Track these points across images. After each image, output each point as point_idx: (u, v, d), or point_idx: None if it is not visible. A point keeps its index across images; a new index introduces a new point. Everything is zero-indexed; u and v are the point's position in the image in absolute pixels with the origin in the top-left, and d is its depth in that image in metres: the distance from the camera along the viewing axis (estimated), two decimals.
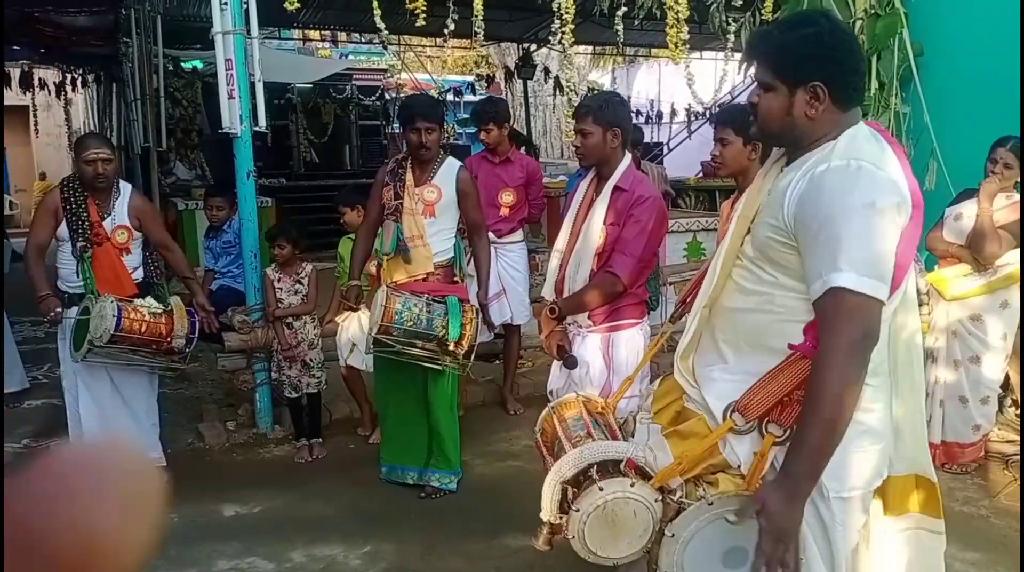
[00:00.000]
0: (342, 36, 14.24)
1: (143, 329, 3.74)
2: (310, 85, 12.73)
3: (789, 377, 1.69)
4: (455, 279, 3.90)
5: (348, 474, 4.24)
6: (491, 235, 4.82)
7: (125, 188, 4.00)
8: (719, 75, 7.93)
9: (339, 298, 4.57)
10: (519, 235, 5.19)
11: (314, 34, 14.56)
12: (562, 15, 5.26)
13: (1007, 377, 4.22)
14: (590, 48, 14.41)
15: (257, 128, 4.50)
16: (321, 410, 4.62)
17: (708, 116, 13.04)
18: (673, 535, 1.74)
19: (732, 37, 5.66)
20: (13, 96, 13.16)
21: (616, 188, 3.10)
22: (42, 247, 3.89)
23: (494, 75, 15.08)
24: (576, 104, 3.97)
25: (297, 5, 4.71)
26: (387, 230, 3.80)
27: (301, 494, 4.02)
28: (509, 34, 11.83)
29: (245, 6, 4.36)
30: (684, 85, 7.16)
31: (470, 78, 17.40)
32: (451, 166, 3.86)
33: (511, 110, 10.28)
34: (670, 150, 15.87)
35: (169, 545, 3.46)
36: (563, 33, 5.32)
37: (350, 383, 4.67)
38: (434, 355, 3.65)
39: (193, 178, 10.36)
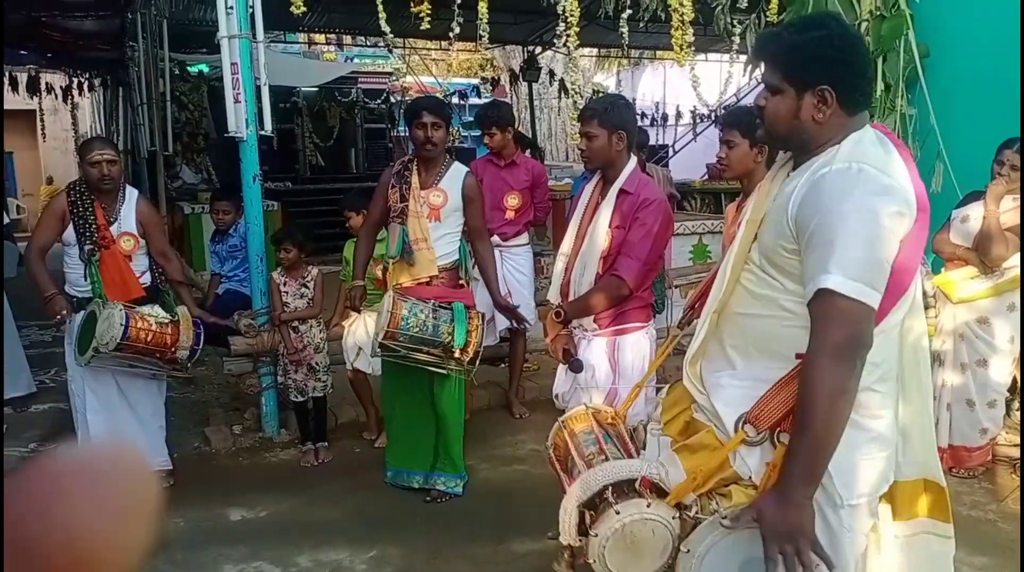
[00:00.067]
0: (347, 39, 14.26)
1: (149, 338, 3.75)
2: (315, 89, 12.75)
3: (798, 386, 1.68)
4: (460, 282, 3.89)
5: (354, 478, 4.24)
6: (496, 238, 4.83)
7: (131, 193, 4.01)
8: (724, 77, 7.91)
9: (344, 301, 4.58)
10: (524, 238, 5.19)
11: (319, 38, 14.59)
12: (567, 18, 5.25)
13: (1015, 380, 4.19)
14: (595, 50, 14.40)
15: (263, 132, 4.51)
16: (327, 414, 4.63)
17: (713, 118, 13.03)
18: (689, 550, 1.73)
19: (737, 39, 5.64)
20: (20, 100, 13.24)
21: (621, 191, 3.10)
22: (44, 249, 3.89)
23: (499, 78, 15.12)
24: (581, 107, 3.97)
25: (303, 9, 4.71)
26: (392, 233, 3.80)
27: (307, 498, 4.02)
28: (514, 37, 11.84)
29: (251, 10, 4.37)
30: (689, 87, 7.14)
31: (475, 81, 17.43)
32: (458, 171, 3.86)
33: (516, 113, 10.28)
34: (675, 152, 15.87)
35: (175, 549, 3.46)
36: (568, 36, 5.31)
37: (356, 387, 4.67)
38: (439, 360, 3.65)
39: (199, 182, 10.39)
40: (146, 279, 3.99)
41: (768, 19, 5.52)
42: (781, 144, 1.88)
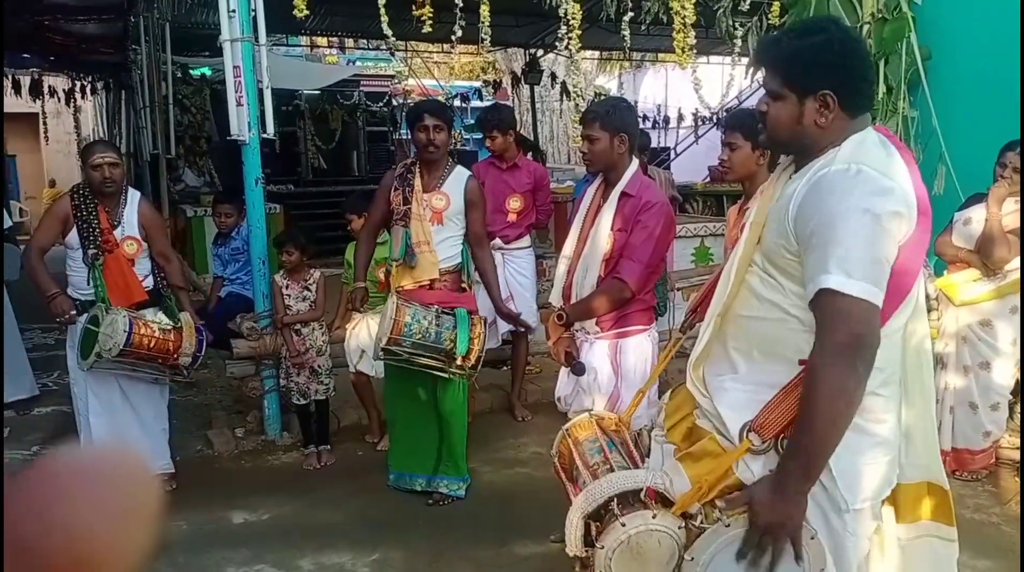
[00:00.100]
0: (349, 42, 14.28)
1: (152, 345, 3.75)
2: (318, 91, 12.77)
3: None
4: (463, 286, 3.89)
5: (356, 481, 4.24)
6: (498, 241, 4.83)
7: (133, 196, 4.01)
8: (726, 80, 7.93)
9: (346, 301, 4.58)
10: (526, 241, 5.20)
11: (322, 40, 14.61)
12: (569, 21, 5.26)
13: (1017, 383, 4.19)
14: (597, 53, 14.40)
15: (265, 135, 4.52)
16: (329, 417, 4.63)
17: (715, 121, 13.04)
18: (693, 559, 1.73)
19: (739, 42, 5.64)
20: (23, 103, 13.26)
21: (623, 194, 3.10)
22: (43, 250, 3.89)
23: (501, 81, 15.14)
24: (583, 109, 3.97)
25: (306, 12, 4.72)
26: (396, 236, 3.80)
27: (310, 501, 4.02)
28: (516, 40, 11.85)
29: (253, 13, 4.38)
30: (691, 90, 7.15)
31: (477, 84, 17.45)
32: (460, 175, 3.86)
33: (518, 115, 10.28)
34: (677, 155, 15.88)
35: (178, 552, 3.46)
36: (570, 38, 5.32)
37: (359, 389, 4.67)
38: (442, 365, 3.66)
39: (202, 185, 10.39)
40: (148, 283, 3.99)
41: (770, 22, 5.52)
42: (783, 149, 1.88)
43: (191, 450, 4.65)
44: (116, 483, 0.42)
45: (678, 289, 5.41)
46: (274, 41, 10.94)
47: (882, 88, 4.79)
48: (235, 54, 4.32)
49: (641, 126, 5.72)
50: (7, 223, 6.53)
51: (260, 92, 4.45)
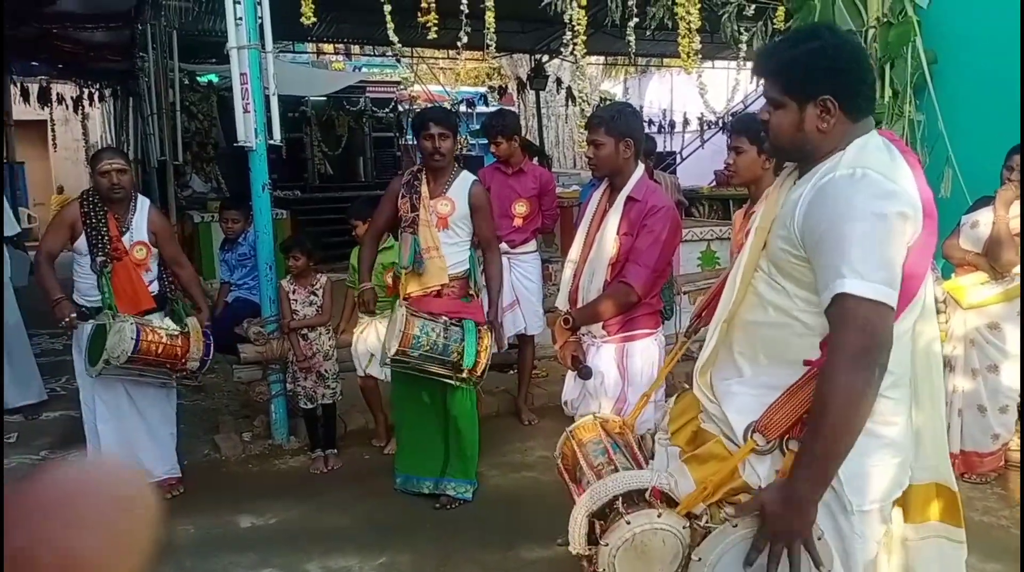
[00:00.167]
0: (356, 49, 14.34)
1: (160, 350, 3.77)
2: (324, 98, 12.80)
3: (808, 394, 1.68)
4: (470, 293, 3.90)
5: (363, 485, 4.25)
6: (504, 245, 4.84)
7: (143, 203, 4.03)
8: (731, 84, 7.94)
9: (351, 305, 4.59)
10: (532, 245, 5.21)
11: (328, 47, 14.67)
12: (574, 26, 5.27)
13: None
14: (602, 58, 14.43)
15: (272, 141, 4.54)
16: (336, 421, 4.64)
17: (721, 125, 13.04)
18: (700, 559, 1.74)
19: (744, 46, 5.65)
20: (32, 111, 13.36)
21: (629, 198, 3.11)
22: (53, 255, 3.91)
23: (506, 86, 15.14)
24: (588, 114, 3.98)
25: (313, 19, 4.74)
26: (404, 243, 3.81)
27: (316, 505, 4.02)
28: (521, 45, 11.88)
29: (260, 21, 4.40)
30: (696, 94, 7.17)
31: (483, 89, 17.48)
32: (465, 180, 3.88)
33: (524, 121, 10.28)
34: (683, 159, 15.86)
35: (185, 556, 3.47)
36: (575, 44, 5.33)
37: (366, 393, 4.68)
38: (448, 373, 3.67)
39: (209, 191, 10.44)
40: (154, 287, 4.01)
41: (774, 26, 5.53)
42: (787, 156, 1.89)
43: (198, 454, 4.67)
44: (113, 499, 0.42)
45: (684, 293, 5.40)
46: (280, 48, 10.99)
47: (888, 92, 4.80)
48: (242, 61, 4.35)
49: (647, 131, 5.73)
50: (16, 229, 6.57)
51: (267, 99, 4.47)
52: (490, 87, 16.48)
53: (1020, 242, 3.83)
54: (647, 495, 1.85)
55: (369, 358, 4.48)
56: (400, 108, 13.77)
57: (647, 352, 3.18)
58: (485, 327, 3.78)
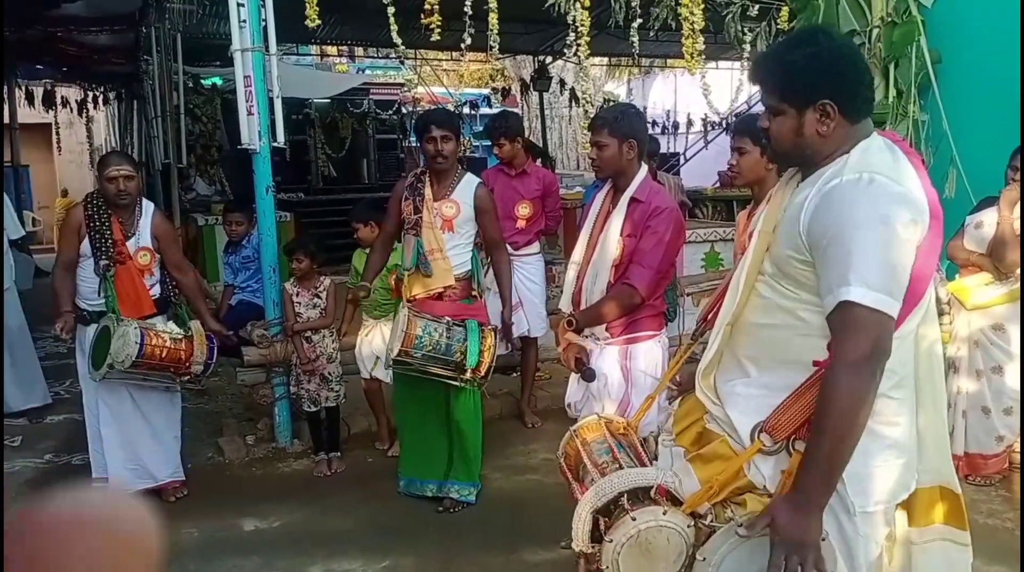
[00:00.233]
0: (359, 51, 14.35)
1: (164, 354, 3.77)
2: (328, 100, 12.81)
3: (815, 395, 1.67)
4: (473, 293, 3.90)
5: (366, 488, 4.25)
6: (508, 247, 4.83)
7: (148, 207, 4.03)
8: (735, 85, 7.92)
9: (352, 307, 4.59)
10: (536, 247, 5.20)
11: (331, 49, 14.69)
12: (577, 27, 5.27)
13: None
14: (605, 59, 14.43)
15: (276, 144, 4.54)
16: (339, 424, 4.63)
17: (724, 126, 13.03)
18: (705, 559, 1.73)
19: (748, 47, 5.64)
20: (36, 114, 13.40)
21: (633, 200, 3.10)
22: (70, 264, 3.90)
23: (510, 88, 15.14)
24: (592, 116, 3.97)
25: (317, 22, 4.75)
26: (408, 245, 3.82)
27: (320, 508, 4.02)
28: (525, 47, 11.88)
29: (263, 23, 4.40)
30: (700, 95, 7.15)
31: (486, 91, 17.46)
32: (469, 182, 3.88)
33: (527, 122, 10.28)
34: (686, 160, 15.86)
35: (189, 559, 3.47)
36: (578, 45, 5.33)
37: (370, 396, 4.68)
38: (452, 374, 3.67)
39: (213, 194, 10.45)
40: (156, 291, 4.01)
41: (778, 27, 5.52)
42: (789, 161, 1.89)
43: (202, 457, 4.67)
44: (112, 534, 0.42)
45: (688, 294, 5.40)
46: (284, 50, 11.01)
47: (892, 92, 4.79)
48: (246, 64, 4.35)
49: (650, 132, 5.73)
50: (20, 233, 6.58)
51: (270, 101, 4.48)
52: (493, 89, 16.45)
53: (1021, 244, 3.81)
54: (652, 493, 1.84)
55: (375, 360, 4.48)
56: (404, 110, 13.77)
57: (651, 354, 3.17)
58: (489, 327, 3.78)
